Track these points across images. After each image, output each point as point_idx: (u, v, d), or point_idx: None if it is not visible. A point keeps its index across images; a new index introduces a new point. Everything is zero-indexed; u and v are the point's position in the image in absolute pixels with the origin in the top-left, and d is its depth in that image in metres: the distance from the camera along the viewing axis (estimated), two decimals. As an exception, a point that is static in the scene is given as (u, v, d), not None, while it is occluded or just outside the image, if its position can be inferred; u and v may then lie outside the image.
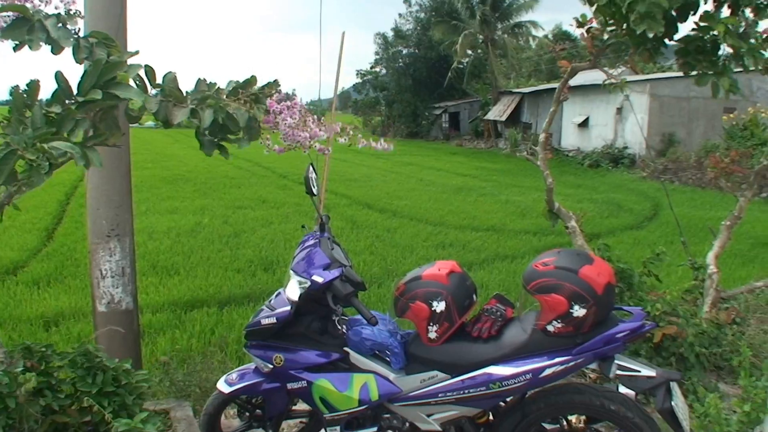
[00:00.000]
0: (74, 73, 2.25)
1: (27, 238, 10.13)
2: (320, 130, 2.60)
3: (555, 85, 5.54)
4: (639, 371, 2.86)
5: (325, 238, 3.44)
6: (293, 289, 3.22)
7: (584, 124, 29.01)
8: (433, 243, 10.70)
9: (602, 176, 23.22)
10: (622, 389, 2.96)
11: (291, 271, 3.29)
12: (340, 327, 3.21)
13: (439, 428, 3.17)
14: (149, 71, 2.34)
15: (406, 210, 14.02)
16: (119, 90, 2.22)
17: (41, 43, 2.23)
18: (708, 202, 16.13)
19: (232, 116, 2.31)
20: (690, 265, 5.65)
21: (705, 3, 4.26)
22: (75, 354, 2.97)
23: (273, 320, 3.25)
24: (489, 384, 2.97)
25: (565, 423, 3.17)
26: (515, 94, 37.40)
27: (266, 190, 16.40)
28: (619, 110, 26.41)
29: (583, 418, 3.17)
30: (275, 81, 2.54)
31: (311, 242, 3.40)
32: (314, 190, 3.54)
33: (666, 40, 4.52)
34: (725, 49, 4.32)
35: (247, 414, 3.73)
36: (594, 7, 4.61)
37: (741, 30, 4.26)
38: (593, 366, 2.97)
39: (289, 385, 3.31)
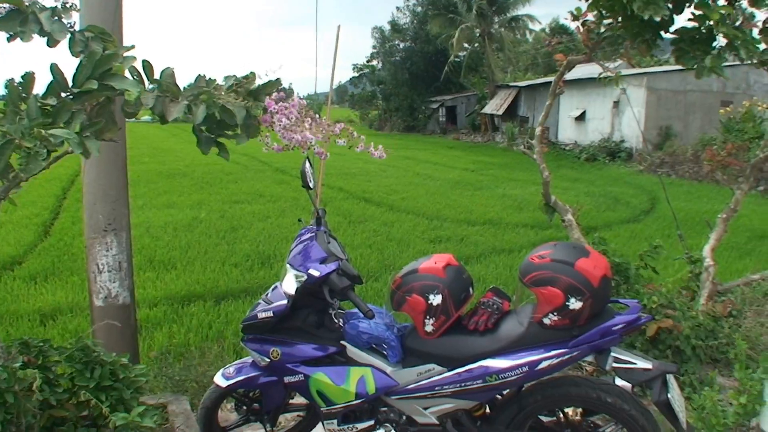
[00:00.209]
0: (71, 67, 2.25)
1: (24, 233, 10.12)
2: (316, 132, 2.58)
3: (552, 78, 5.52)
4: (635, 364, 2.86)
5: (322, 231, 3.44)
6: (290, 283, 3.22)
7: (581, 118, 29.00)
8: (430, 237, 10.71)
9: (599, 170, 23.23)
10: (619, 382, 2.97)
11: (287, 265, 3.29)
12: (336, 320, 3.22)
13: (436, 421, 3.17)
14: (147, 66, 2.34)
15: (404, 204, 14.03)
16: (115, 81, 2.22)
17: (33, 35, 2.22)
18: (705, 196, 16.14)
19: (228, 110, 2.30)
20: (686, 258, 5.66)
21: None
22: (72, 349, 2.97)
23: (270, 314, 3.26)
24: (485, 377, 2.97)
25: (561, 415, 3.18)
26: (512, 87, 37.39)
27: (263, 185, 16.39)
28: (616, 104, 26.41)
29: (579, 410, 3.18)
30: (277, 80, 2.53)
31: (308, 236, 3.40)
32: (310, 184, 3.54)
33: (662, 32, 4.52)
34: (720, 40, 4.32)
35: (245, 408, 3.73)
36: (589, 0, 4.61)
37: (738, 23, 4.26)
38: (589, 358, 2.98)
39: (286, 379, 3.31)
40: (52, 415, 2.86)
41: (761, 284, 6.04)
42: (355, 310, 3.18)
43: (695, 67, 4.36)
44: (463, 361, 3.03)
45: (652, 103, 25.08)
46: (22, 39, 2.21)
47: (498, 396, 3.21)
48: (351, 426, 3.30)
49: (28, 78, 2.22)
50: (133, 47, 2.35)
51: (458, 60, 43.32)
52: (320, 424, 3.47)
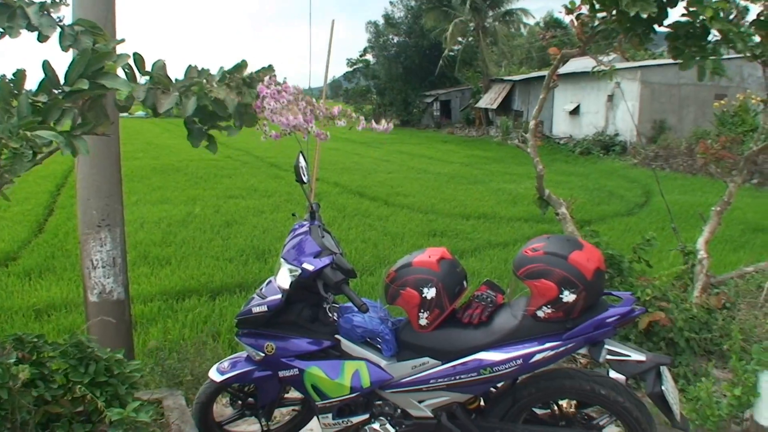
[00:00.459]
0: (63, 63, 2.24)
1: (18, 229, 10.10)
2: (309, 113, 2.56)
3: (546, 72, 5.52)
4: (629, 356, 2.87)
5: (316, 226, 3.44)
6: (284, 277, 3.22)
7: (575, 112, 29.00)
8: (424, 231, 10.71)
9: (593, 163, 23.25)
10: (613, 374, 2.98)
11: (282, 260, 3.30)
12: (331, 315, 3.22)
13: (431, 414, 3.18)
14: (138, 59, 2.33)
15: (398, 198, 14.03)
16: (106, 80, 2.21)
17: (21, 31, 2.21)
18: (698, 189, 16.18)
19: (219, 101, 2.29)
20: (680, 251, 5.68)
21: None
22: (67, 344, 2.97)
23: (264, 308, 3.26)
24: (480, 370, 2.98)
25: (555, 408, 3.19)
26: (506, 81, 37.34)
27: (257, 180, 16.37)
28: (610, 97, 26.41)
29: (573, 402, 3.19)
30: (270, 66, 2.52)
31: (302, 230, 3.40)
32: (304, 179, 3.54)
33: (656, 26, 4.52)
34: (715, 34, 4.32)
35: (240, 402, 3.74)
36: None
37: (731, 17, 4.26)
38: (583, 351, 2.99)
39: (281, 373, 3.32)
40: (47, 411, 2.86)
41: (755, 276, 6.05)
42: (350, 304, 3.19)
43: (688, 62, 4.36)
44: (457, 354, 3.04)
45: (646, 97, 25.10)
46: (9, 35, 2.19)
47: (492, 389, 3.22)
48: (346, 420, 3.31)
49: (20, 75, 2.21)
50: (123, 41, 2.33)
51: (452, 54, 43.24)
52: (315, 418, 3.48)
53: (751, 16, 4.37)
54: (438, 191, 15.27)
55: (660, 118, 25.16)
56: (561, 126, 30.42)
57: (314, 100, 2.60)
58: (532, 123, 5.72)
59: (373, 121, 2.66)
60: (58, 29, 2.28)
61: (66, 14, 2.34)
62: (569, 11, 4.91)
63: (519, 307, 3.05)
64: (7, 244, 9.07)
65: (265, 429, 3.71)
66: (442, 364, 3.06)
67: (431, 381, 3.08)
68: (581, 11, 4.88)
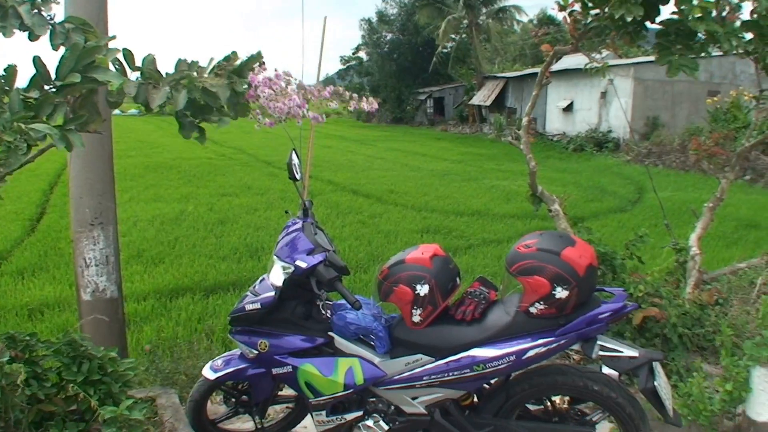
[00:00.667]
0: (54, 59, 2.23)
1: (10, 227, 10.06)
2: (302, 99, 2.56)
3: (539, 69, 5.53)
4: (621, 352, 2.88)
5: (309, 223, 3.44)
6: (277, 275, 3.22)
7: (569, 109, 29.05)
8: (418, 228, 10.72)
9: (587, 160, 23.29)
10: (605, 370, 2.99)
11: (275, 257, 3.30)
12: (324, 312, 3.22)
13: (424, 411, 3.19)
14: (127, 54, 2.32)
15: (392, 196, 14.04)
16: (98, 73, 2.21)
17: (15, 30, 2.20)
18: (691, 185, 16.22)
19: (211, 93, 2.29)
20: (673, 247, 5.69)
21: None
22: (60, 343, 2.97)
23: (257, 306, 3.26)
24: (473, 366, 2.99)
25: (549, 404, 3.20)
26: (499, 78, 37.36)
27: (251, 177, 16.35)
28: (604, 94, 26.47)
29: (566, 398, 3.20)
30: (258, 53, 2.51)
31: (295, 228, 3.40)
32: (297, 176, 3.54)
33: (647, 24, 4.52)
34: (702, 33, 4.31)
35: (233, 400, 3.75)
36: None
37: (724, 13, 4.25)
38: (576, 347, 2.99)
39: (275, 371, 3.32)
40: (40, 410, 2.86)
41: (747, 272, 6.07)
42: (343, 301, 3.19)
43: (664, 59, 4.35)
44: (450, 351, 3.04)
45: (639, 94, 25.16)
46: (3, 34, 2.19)
47: (486, 385, 3.23)
48: (339, 417, 3.32)
49: (11, 71, 2.20)
50: (114, 38, 2.33)
51: (446, 51, 43.27)
52: (309, 415, 3.49)
53: (745, 13, 4.37)
54: (431, 188, 15.27)
55: (653, 114, 25.23)
56: (554, 123, 30.46)
57: (307, 85, 2.62)
58: (525, 120, 5.72)
59: (364, 99, 2.71)
60: (50, 27, 2.27)
61: (58, 13, 2.34)
62: (562, 8, 4.91)
63: (512, 303, 3.05)
64: (-1, 242, 9.04)
65: (258, 426, 3.72)
66: (436, 361, 3.06)
67: (424, 378, 3.08)
68: (574, 8, 4.88)
